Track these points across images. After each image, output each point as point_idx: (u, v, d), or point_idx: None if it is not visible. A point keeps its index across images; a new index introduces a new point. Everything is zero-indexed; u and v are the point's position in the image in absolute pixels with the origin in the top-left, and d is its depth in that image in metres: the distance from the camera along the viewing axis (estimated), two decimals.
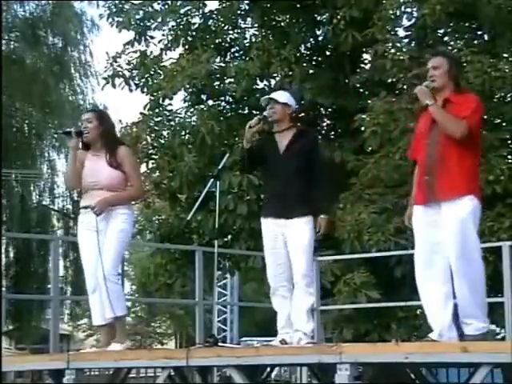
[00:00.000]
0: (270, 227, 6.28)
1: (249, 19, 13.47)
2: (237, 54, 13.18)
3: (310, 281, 6.20)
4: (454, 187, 5.39)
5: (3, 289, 16.13)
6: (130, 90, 12.94)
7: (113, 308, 6.30)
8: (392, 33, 11.30)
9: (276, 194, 6.30)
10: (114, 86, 12.95)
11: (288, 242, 6.20)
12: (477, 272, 5.41)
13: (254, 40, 13.06)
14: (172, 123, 12.41)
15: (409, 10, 11.82)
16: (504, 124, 10.93)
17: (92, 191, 6.49)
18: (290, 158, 6.23)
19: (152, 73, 12.84)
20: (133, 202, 6.84)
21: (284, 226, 6.20)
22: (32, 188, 24.91)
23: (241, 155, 6.54)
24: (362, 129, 10.84)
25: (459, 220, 5.36)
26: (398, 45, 11.37)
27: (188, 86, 12.23)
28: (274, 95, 6.42)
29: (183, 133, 12.30)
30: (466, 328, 5.45)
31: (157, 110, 12.60)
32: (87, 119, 6.57)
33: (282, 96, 6.45)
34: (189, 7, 13.13)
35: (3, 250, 21.92)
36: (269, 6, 12.73)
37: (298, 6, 12.54)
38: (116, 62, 12.92)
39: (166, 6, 13.23)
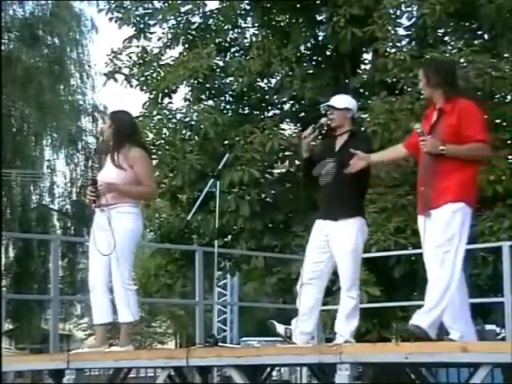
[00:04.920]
0: (317, 228, 6.32)
1: (249, 19, 13.48)
2: (237, 54, 13.18)
3: (351, 284, 6.18)
4: (444, 195, 5.41)
5: (3, 289, 16.13)
6: (131, 86, 12.96)
7: (122, 313, 6.34)
8: (392, 32, 11.30)
9: (326, 196, 6.32)
10: (115, 80, 12.98)
11: (332, 244, 6.21)
12: (444, 279, 5.33)
13: (254, 39, 13.07)
14: (173, 120, 12.37)
15: (409, 9, 11.84)
16: (505, 124, 10.93)
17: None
18: (342, 161, 6.23)
19: (152, 70, 12.85)
20: (141, 202, 6.76)
21: (329, 227, 6.23)
22: (32, 188, 24.91)
23: (302, 165, 6.54)
24: (363, 129, 10.83)
25: (442, 226, 5.38)
26: (399, 44, 11.38)
27: (190, 80, 12.21)
28: (332, 102, 6.41)
29: (184, 131, 12.29)
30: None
31: (156, 110, 12.58)
32: (105, 121, 6.68)
33: (340, 101, 6.42)
34: (189, 6, 13.15)
35: (3, 250, 21.92)
36: (269, 5, 12.74)
37: (298, 5, 12.54)
38: (117, 58, 12.93)
39: (166, 5, 13.25)
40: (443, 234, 5.37)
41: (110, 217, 6.31)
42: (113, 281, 6.33)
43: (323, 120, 6.41)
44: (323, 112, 6.54)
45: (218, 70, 12.55)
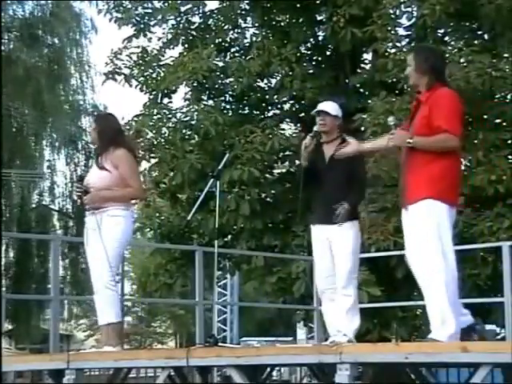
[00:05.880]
0: (316, 233, 6.52)
1: (249, 19, 13.49)
2: (237, 54, 13.18)
3: (347, 283, 6.36)
4: (416, 191, 5.26)
5: (3, 289, 16.13)
6: (130, 86, 12.96)
7: (104, 314, 6.40)
8: (392, 32, 11.30)
9: (321, 201, 6.49)
10: (115, 79, 12.99)
11: (332, 247, 6.41)
12: (428, 276, 5.21)
13: (254, 39, 13.07)
14: (174, 119, 12.36)
15: (409, 9, 11.84)
16: (505, 124, 10.93)
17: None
18: (334, 167, 6.42)
19: (152, 70, 12.85)
20: (133, 202, 6.81)
21: (329, 231, 6.41)
22: (32, 188, 24.90)
23: (301, 174, 6.61)
24: (362, 129, 10.83)
25: (416, 223, 5.27)
26: (399, 44, 11.38)
27: (190, 82, 12.21)
28: (325, 108, 6.57)
29: (184, 131, 12.28)
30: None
31: (156, 109, 12.56)
32: (91, 124, 6.80)
33: (332, 108, 6.60)
34: (189, 6, 13.14)
35: (3, 250, 21.90)
36: (269, 5, 12.75)
37: (298, 5, 12.55)
38: (117, 58, 12.93)
39: (166, 4, 13.25)
40: (418, 231, 5.25)
41: (100, 219, 6.40)
42: (97, 281, 6.40)
43: (316, 127, 6.54)
44: (315, 116, 6.60)
45: (218, 71, 12.55)
